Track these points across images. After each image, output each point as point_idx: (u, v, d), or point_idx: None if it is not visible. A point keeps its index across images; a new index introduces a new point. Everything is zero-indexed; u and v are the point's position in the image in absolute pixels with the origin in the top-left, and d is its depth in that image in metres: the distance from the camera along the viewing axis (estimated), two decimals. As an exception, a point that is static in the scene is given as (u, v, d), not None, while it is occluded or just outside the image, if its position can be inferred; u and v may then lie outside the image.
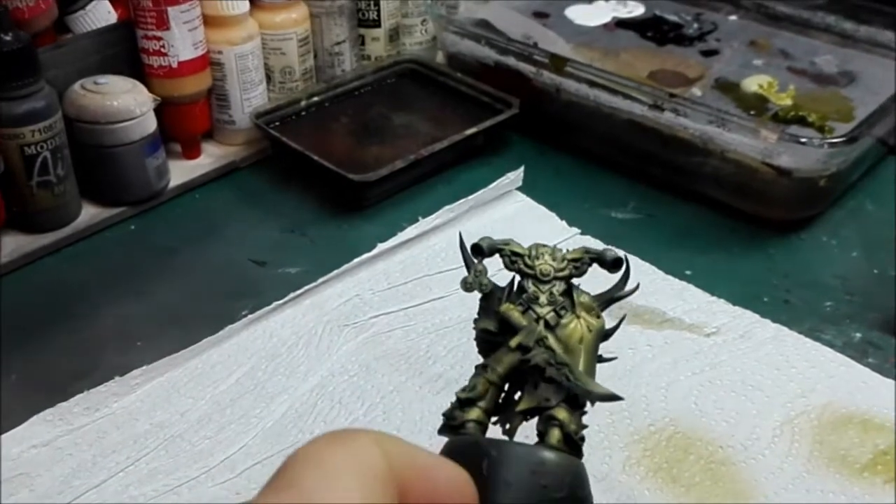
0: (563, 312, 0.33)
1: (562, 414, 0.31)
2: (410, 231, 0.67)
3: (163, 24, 0.69)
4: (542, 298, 0.33)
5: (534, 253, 0.35)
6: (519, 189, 0.72)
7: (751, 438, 0.51)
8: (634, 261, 0.64)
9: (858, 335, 0.59)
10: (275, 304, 0.60)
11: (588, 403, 0.32)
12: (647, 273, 0.63)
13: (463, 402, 0.32)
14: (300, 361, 0.57)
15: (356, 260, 0.64)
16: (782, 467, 0.50)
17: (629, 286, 0.36)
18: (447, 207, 0.68)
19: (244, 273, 0.65)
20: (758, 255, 0.66)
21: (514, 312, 0.33)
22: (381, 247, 0.65)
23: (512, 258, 0.35)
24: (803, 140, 0.64)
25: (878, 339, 0.58)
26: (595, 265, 0.35)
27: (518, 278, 0.35)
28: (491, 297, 0.34)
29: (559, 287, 0.34)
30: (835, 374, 0.55)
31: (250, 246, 0.68)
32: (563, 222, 0.68)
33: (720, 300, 0.61)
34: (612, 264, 0.35)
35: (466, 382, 0.33)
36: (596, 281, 0.35)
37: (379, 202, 0.71)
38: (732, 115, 0.67)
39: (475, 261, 0.35)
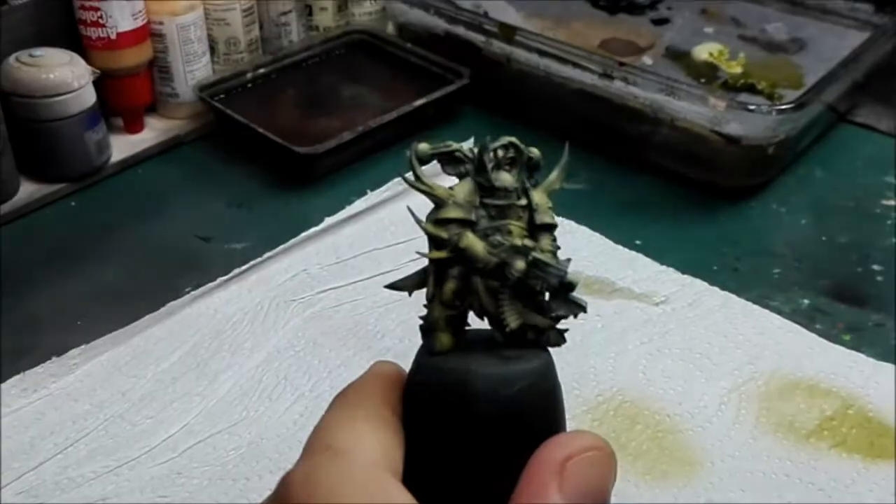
0: None
1: None
2: (359, 204, 0.66)
3: (100, -6, 0.67)
4: None
5: None
6: (470, 161, 0.71)
7: (698, 406, 0.51)
8: (585, 231, 0.64)
9: (806, 302, 0.59)
10: (219, 280, 0.59)
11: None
12: (597, 243, 0.63)
13: None
14: (245, 338, 0.56)
15: (303, 234, 0.63)
16: (729, 434, 0.50)
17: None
18: (396, 180, 0.67)
19: (189, 249, 0.64)
20: (707, 223, 0.66)
21: None
22: (328, 221, 0.64)
23: None
24: (751, 107, 0.64)
25: (826, 305, 0.59)
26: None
27: None
28: None
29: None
30: (782, 341, 0.55)
31: (195, 221, 0.66)
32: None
33: (669, 269, 0.61)
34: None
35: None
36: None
37: (327, 175, 0.70)
38: (682, 84, 0.67)
39: None
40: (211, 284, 0.59)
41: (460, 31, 0.77)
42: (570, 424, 0.49)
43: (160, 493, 0.47)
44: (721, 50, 0.77)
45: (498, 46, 0.75)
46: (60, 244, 0.65)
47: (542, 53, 0.72)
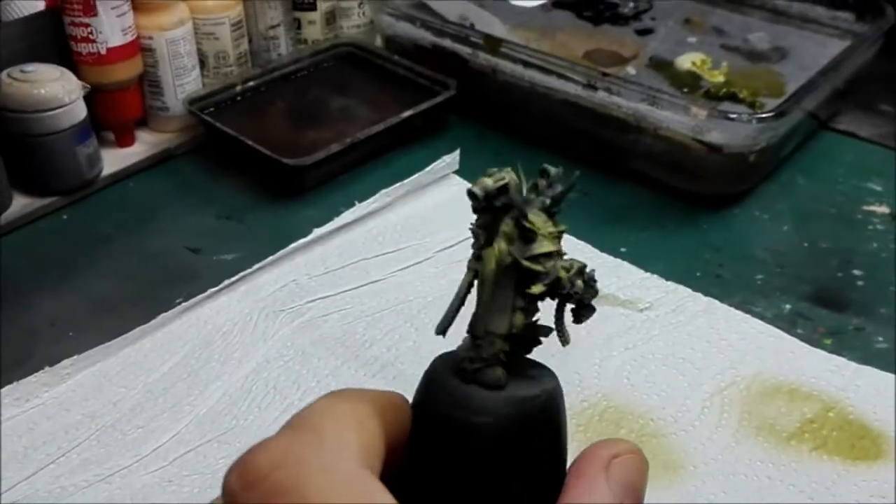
0: (475, 245, 0.32)
1: (459, 348, 0.31)
2: (347, 215, 0.67)
3: (90, 10, 0.68)
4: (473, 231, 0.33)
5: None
6: (456, 172, 0.72)
7: (681, 410, 0.52)
8: (570, 239, 0.64)
9: (788, 307, 0.60)
10: (209, 291, 0.60)
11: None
12: (582, 251, 0.64)
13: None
14: (235, 348, 0.56)
15: (292, 245, 0.64)
16: (712, 438, 0.51)
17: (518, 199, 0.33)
18: (384, 191, 0.68)
19: (179, 261, 0.65)
20: (691, 230, 0.67)
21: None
22: (317, 231, 0.65)
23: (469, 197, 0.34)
24: (732, 116, 0.65)
25: (808, 310, 0.60)
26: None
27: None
28: None
29: (482, 219, 0.33)
30: (764, 346, 0.56)
31: (185, 233, 0.67)
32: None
33: (654, 276, 0.62)
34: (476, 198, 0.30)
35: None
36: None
37: (316, 187, 0.71)
38: (664, 93, 0.68)
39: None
40: (201, 295, 0.59)
41: (447, 43, 0.78)
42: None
43: (151, 501, 0.47)
44: (704, 59, 0.78)
45: (484, 58, 0.76)
46: (52, 257, 0.65)
47: (526, 64, 0.73)
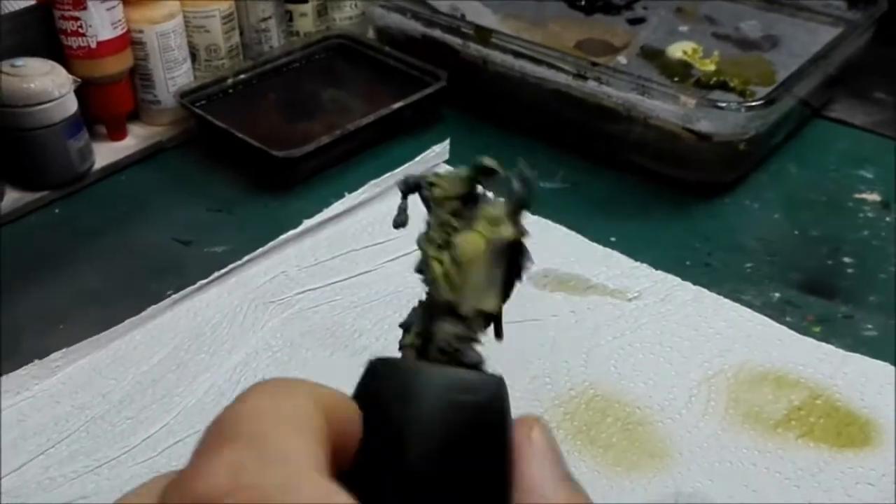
0: (451, 231, 0.32)
1: (439, 329, 0.30)
2: (337, 207, 0.67)
3: (80, 4, 0.68)
4: (433, 222, 0.33)
5: (437, 180, 0.34)
6: (447, 162, 0.72)
7: (668, 398, 0.52)
8: (561, 229, 0.65)
9: (777, 295, 0.60)
10: (199, 283, 0.60)
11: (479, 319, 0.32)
12: (572, 241, 0.64)
13: (402, 328, 0.32)
14: (224, 339, 0.57)
15: (282, 237, 0.64)
16: (698, 425, 0.51)
17: (518, 189, 0.34)
18: (373, 182, 0.68)
19: (170, 253, 0.65)
20: (681, 219, 0.67)
21: (420, 241, 0.33)
22: (307, 223, 0.65)
23: (427, 189, 0.34)
24: (721, 105, 0.65)
25: (796, 297, 0.60)
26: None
27: None
28: None
29: (450, 206, 0.33)
30: (752, 334, 0.56)
31: (176, 226, 0.67)
32: (490, 195, 0.68)
33: (643, 265, 0.62)
34: (483, 171, 0.34)
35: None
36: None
37: (307, 179, 0.71)
38: (653, 83, 0.68)
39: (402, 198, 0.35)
40: (191, 287, 0.60)
41: (437, 34, 0.78)
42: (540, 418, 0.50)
43: (140, 492, 0.48)
44: (695, 48, 0.78)
45: (474, 49, 0.76)
46: (44, 250, 0.66)
47: (517, 55, 0.73)
